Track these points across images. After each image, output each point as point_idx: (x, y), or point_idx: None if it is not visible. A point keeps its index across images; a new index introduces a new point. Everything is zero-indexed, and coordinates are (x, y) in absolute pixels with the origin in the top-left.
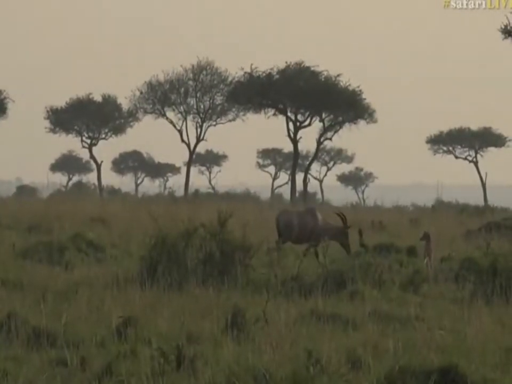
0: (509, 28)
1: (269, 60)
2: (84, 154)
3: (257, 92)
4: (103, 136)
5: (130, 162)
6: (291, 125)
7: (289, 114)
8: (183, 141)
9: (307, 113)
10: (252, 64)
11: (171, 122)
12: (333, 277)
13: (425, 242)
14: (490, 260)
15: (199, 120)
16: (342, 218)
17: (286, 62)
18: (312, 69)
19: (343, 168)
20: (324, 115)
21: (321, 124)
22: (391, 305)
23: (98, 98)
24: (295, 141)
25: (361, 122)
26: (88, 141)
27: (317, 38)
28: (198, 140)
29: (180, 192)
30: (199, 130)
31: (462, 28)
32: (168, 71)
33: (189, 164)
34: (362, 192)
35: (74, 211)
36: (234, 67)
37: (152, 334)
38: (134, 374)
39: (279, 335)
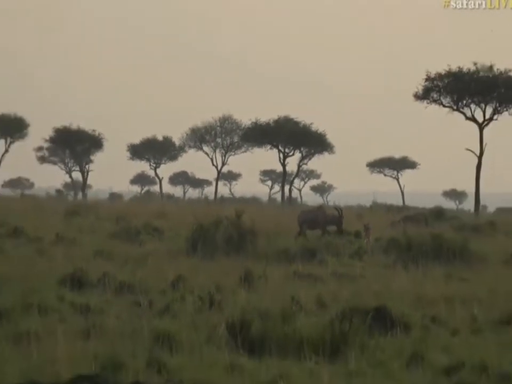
0: (418, 94)
1: (268, 113)
2: (151, 173)
3: (260, 134)
4: (163, 161)
5: (180, 178)
6: (281, 155)
7: (280, 148)
8: (213, 164)
9: (291, 147)
10: (256, 117)
11: (206, 153)
12: (308, 250)
13: (365, 229)
14: (406, 239)
15: (224, 152)
16: (339, 211)
17: (278, 116)
18: (294, 119)
19: (314, 182)
20: (302, 148)
21: (300, 154)
22: (344, 268)
23: (160, 138)
24: (284, 165)
25: (325, 153)
26: (154, 165)
27: (298, 100)
28: (223, 164)
29: (211, 197)
30: (223, 158)
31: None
32: (204, 121)
33: (217, 179)
34: (327, 197)
35: (145, 209)
36: (246, 117)
37: (194, 286)
38: (182, 311)
39: (274, 286)
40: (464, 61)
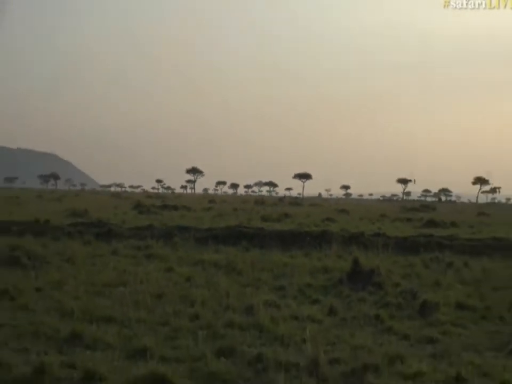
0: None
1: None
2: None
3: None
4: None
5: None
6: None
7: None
8: (258, 190)
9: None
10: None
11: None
12: (277, 203)
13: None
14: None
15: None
16: (285, 195)
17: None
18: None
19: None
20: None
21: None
22: (280, 208)
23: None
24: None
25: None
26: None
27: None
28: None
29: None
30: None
31: None
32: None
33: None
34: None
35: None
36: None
37: (255, 211)
38: (252, 215)
39: (270, 210)
40: None
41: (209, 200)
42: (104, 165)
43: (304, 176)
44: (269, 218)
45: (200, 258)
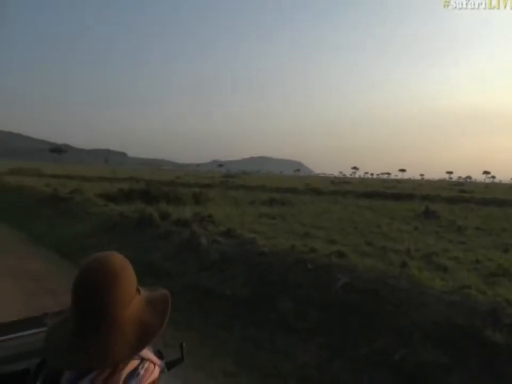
0: None
1: None
2: None
3: None
4: None
5: None
6: None
7: None
8: None
9: None
10: None
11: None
12: None
13: None
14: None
15: None
16: None
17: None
18: None
19: None
20: None
21: None
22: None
23: None
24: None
25: None
26: None
27: None
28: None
29: None
30: None
31: None
32: None
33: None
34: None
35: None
36: None
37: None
38: None
39: (387, 185)
40: None
41: (361, 179)
42: (315, 159)
43: (402, 170)
44: (387, 187)
45: (357, 203)
